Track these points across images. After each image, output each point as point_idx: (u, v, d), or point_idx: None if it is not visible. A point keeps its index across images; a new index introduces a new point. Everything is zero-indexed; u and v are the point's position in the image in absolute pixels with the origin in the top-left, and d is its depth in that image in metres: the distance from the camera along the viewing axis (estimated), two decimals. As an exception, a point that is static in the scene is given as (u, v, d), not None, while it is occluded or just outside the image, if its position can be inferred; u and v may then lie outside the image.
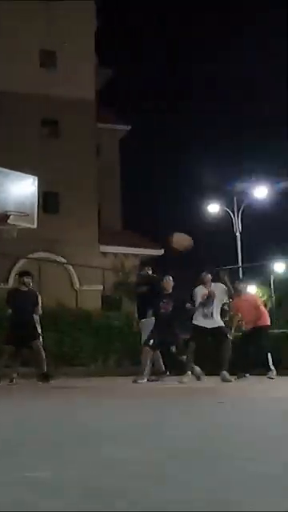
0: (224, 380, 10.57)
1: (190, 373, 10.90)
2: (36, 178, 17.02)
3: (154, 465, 2.61)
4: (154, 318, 11.78)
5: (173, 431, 3.92)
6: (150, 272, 12.67)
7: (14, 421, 4.97)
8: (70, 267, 30.35)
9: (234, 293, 12.10)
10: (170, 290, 11.83)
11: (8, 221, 15.99)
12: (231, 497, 2.01)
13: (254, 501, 1.97)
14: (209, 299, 11.11)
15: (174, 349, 11.87)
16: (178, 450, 3.07)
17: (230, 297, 11.85)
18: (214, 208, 34.83)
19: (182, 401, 7.13)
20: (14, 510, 1.90)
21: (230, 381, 10.54)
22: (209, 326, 11.02)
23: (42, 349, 11.47)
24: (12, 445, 3.39)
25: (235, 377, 11.29)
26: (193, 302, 11.27)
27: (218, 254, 36.32)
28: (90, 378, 13.69)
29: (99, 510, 1.89)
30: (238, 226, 32.59)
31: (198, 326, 11.09)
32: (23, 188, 16.62)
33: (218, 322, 11.10)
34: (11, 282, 29.63)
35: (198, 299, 11.15)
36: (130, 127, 41.61)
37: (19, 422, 4.86)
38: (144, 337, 11.94)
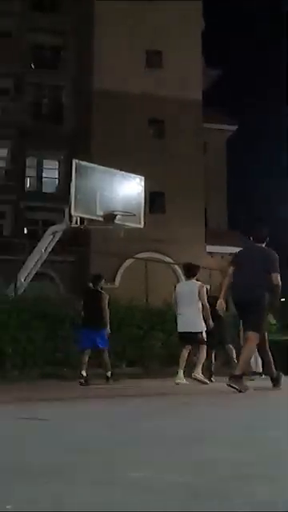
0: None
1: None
2: (143, 178, 17.13)
3: (256, 466, 2.54)
4: None
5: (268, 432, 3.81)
6: None
7: (109, 422, 4.98)
8: (177, 267, 30.35)
9: None
10: None
11: (115, 220, 16.19)
12: None
13: None
14: None
15: None
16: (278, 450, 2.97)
17: None
18: None
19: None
20: (118, 510, 1.88)
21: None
22: None
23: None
24: (108, 444, 3.38)
25: None
26: None
27: None
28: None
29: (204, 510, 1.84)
30: None
31: None
32: (130, 188, 16.77)
33: None
34: (118, 282, 29.98)
35: None
36: (236, 127, 41.28)
37: (113, 422, 4.86)
38: None
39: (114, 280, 29.58)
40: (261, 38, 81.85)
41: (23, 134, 35.80)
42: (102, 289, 12.37)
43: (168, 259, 30.67)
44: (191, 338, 10.77)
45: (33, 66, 37.70)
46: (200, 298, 10.71)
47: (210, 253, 33.37)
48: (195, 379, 10.43)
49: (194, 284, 10.95)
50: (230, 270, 8.80)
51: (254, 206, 71.94)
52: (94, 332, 11.74)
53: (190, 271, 11.33)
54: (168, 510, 1.87)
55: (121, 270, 30.58)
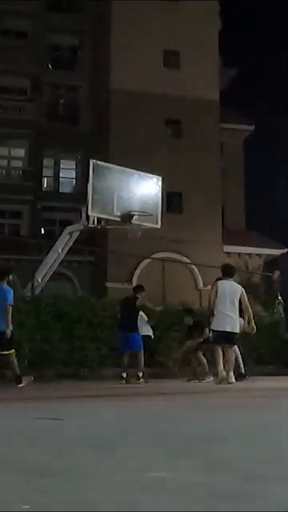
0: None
1: None
2: (160, 178, 17.12)
3: (275, 465, 2.51)
4: None
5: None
6: None
7: (125, 422, 4.97)
8: (194, 267, 30.31)
9: None
10: None
11: (132, 221, 16.19)
12: None
13: None
14: None
15: None
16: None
17: None
18: None
19: None
20: (130, 511, 1.86)
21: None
22: None
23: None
24: (125, 444, 3.37)
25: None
26: None
27: None
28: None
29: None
30: None
31: None
32: (147, 188, 16.77)
33: None
34: (135, 282, 29.98)
35: None
36: (254, 127, 41.17)
37: (129, 422, 4.85)
38: None
39: (131, 280, 29.55)
40: (277, 37, 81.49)
41: (40, 134, 35.91)
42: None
43: (185, 259, 30.63)
44: (229, 337, 10.63)
45: (50, 66, 37.80)
46: (242, 301, 10.78)
47: (227, 253, 33.29)
48: (231, 383, 10.39)
49: (237, 286, 10.95)
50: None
51: (271, 206, 71.61)
52: (128, 335, 12.41)
53: (229, 272, 11.32)
54: (184, 511, 1.85)
55: (138, 271, 30.54)
